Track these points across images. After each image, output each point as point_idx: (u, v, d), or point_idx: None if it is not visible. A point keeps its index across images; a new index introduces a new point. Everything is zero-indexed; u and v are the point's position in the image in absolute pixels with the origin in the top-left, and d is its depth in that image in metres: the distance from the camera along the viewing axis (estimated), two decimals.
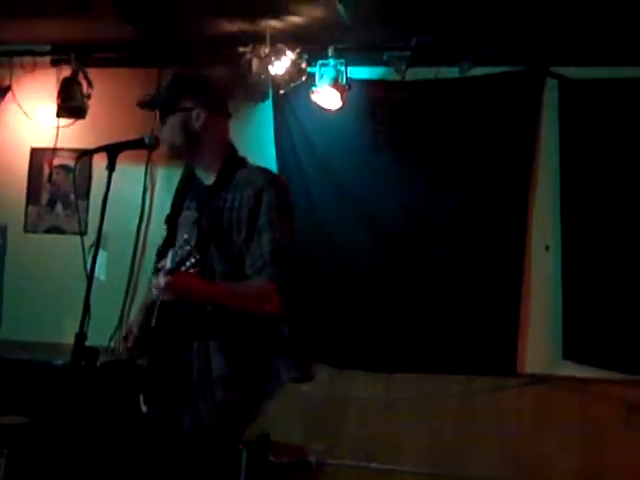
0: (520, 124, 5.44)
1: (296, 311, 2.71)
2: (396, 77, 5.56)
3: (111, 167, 2.63)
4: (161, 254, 2.76)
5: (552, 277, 5.40)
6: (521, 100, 5.45)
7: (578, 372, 5.28)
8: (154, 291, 2.54)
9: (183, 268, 2.42)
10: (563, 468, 5.25)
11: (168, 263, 2.45)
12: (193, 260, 2.40)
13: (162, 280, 2.45)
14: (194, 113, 2.74)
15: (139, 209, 6.03)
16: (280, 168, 5.58)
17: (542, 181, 5.46)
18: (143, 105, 2.83)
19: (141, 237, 5.99)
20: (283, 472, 5.57)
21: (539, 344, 5.42)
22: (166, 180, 5.95)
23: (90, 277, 2.56)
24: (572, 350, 5.29)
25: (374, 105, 5.62)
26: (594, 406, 5.24)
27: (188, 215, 2.78)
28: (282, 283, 2.60)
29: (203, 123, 2.74)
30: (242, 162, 2.81)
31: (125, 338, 2.78)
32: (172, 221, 2.83)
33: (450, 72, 5.49)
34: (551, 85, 5.43)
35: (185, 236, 2.45)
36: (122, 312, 5.76)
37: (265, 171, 2.80)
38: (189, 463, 2.62)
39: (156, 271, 2.62)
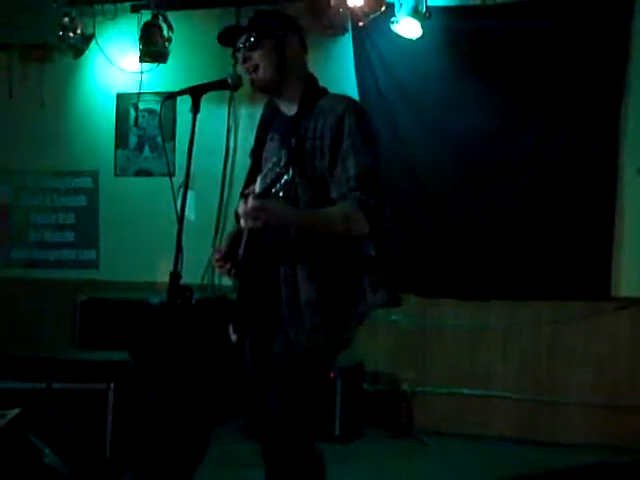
0: (609, 47, 5.25)
1: (383, 236, 2.72)
2: (477, 1, 5.42)
3: (195, 109, 2.65)
4: (247, 185, 2.79)
5: None
6: (610, 23, 5.24)
7: None
8: (241, 216, 2.55)
9: (273, 190, 2.41)
10: None
11: (257, 188, 2.46)
12: (283, 181, 2.38)
13: (249, 203, 2.46)
14: (287, 39, 2.75)
15: (224, 149, 6.11)
16: (362, 100, 5.54)
17: (633, 103, 5.29)
18: (233, 31, 2.81)
19: (227, 176, 6.07)
20: (377, 400, 5.67)
21: (634, 267, 5.32)
22: (249, 119, 5.99)
23: (181, 218, 2.60)
24: None
25: (455, 32, 5.50)
26: None
27: (272, 145, 2.80)
28: (368, 207, 2.60)
29: (294, 50, 2.77)
30: (323, 91, 2.81)
31: (219, 263, 2.80)
32: (256, 154, 2.85)
33: None
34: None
35: (274, 159, 2.44)
36: (212, 250, 5.89)
37: (346, 98, 2.78)
38: (284, 389, 2.67)
39: (243, 197, 2.63)
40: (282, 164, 2.37)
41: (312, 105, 2.72)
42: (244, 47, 2.74)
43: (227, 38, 2.82)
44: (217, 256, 2.79)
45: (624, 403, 5.24)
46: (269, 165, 2.45)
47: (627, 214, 5.34)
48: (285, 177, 2.37)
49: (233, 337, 2.76)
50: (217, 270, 2.83)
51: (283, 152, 2.41)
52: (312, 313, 2.65)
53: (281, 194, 2.42)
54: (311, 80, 2.83)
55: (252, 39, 2.73)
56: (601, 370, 5.35)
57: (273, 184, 2.39)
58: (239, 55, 2.78)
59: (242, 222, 2.58)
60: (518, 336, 5.51)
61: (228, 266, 2.76)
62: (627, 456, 5.01)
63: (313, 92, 2.78)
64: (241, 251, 2.69)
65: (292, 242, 2.65)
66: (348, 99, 2.78)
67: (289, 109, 2.79)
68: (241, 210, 2.55)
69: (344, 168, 2.62)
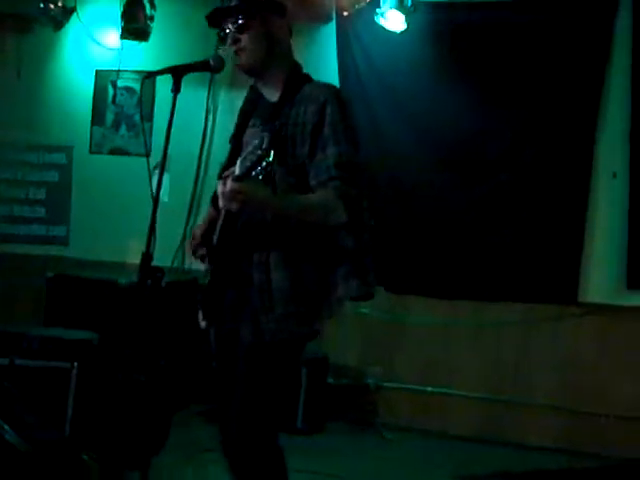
0: (590, 46, 5.27)
1: (361, 226, 2.70)
2: None
3: (176, 89, 2.61)
4: (226, 169, 2.76)
5: (618, 205, 5.28)
6: (592, 22, 5.26)
7: None
8: (219, 197, 2.51)
9: (253, 173, 2.38)
10: (623, 398, 5.22)
11: (237, 170, 2.42)
12: (264, 164, 2.35)
13: (228, 185, 2.42)
14: (277, 21, 2.72)
15: (201, 131, 6.05)
16: (342, 89, 5.48)
17: (611, 107, 5.31)
18: (222, 12, 2.76)
19: (203, 159, 6.02)
20: (341, 393, 5.67)
21: (602, 273, 5.34)
22: (228, 102, 5.95)
23: (156, 199, 2.57)
24: (637, 280, 5.21)
25: (438, 27, 5.49)
26: None
27: (253, 131, 2.77)
28: (347, 196, 2.58)
29: (283, 33, 2.74)
30: (306, 78, 2.79)
31: (192, 247, 2.77)
32: (237, 139, 2.82)
33: None
34: (624, 7, 5.22)
35: (255, 142, 2.41)
36: (184, 233, 5.84)
37: (328, 86, 2.76)
38: (249, 378, 2.64)
39: (222, 179, 2.59)
40: (264, 146, 2.35)
41: (295, 92, 2.70)
42: (233, 28, 2.71)
43: (215, 19, 2.77)
44: (194, 242, 2.75)
45: (587, 408, 5.27)
46: (250, 148, 2.41)
47: (599, 219, 5.36)
48: (266, 160, 2.34)
49: (202, 324, 2.73)
50: (191, 256, 2.79)
51: (265, 135, 2.37)
52: (283, 301, 2.62)
53: (261, 177, 2.39)
54: (295, 67, 2.80)
55: (241, 21, 2.69)
56: (564, 374, 5.38)
57: (253, 167, 2.36)
58: (228, 36, 2.73)
59: (220, 203, 2.54)
60: (485, 336, 5.53)
61: (203, 251, 2.73)
62: (589, 461, 5.05)
63: (296, 79, 2.75)
64: (216, 235, 2.66)
65: (268, 229, 2.63)
66: (331, 87, 2.77)
67: (272, 95, 2.77)
68: (219, 190, 2.51)
69: (324, 156, 2.60)
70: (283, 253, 2.63)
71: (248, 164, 2.37)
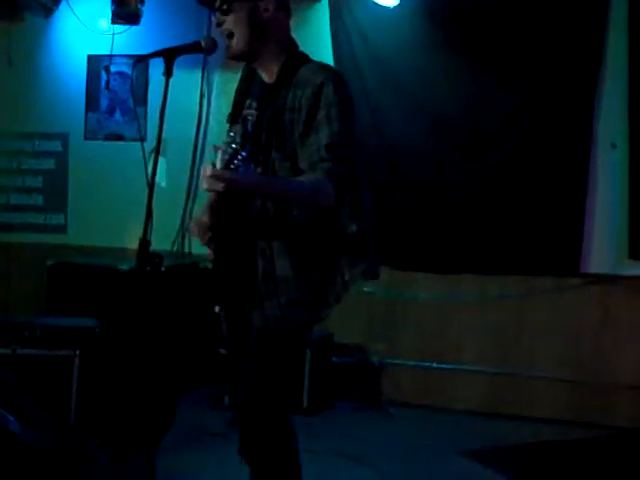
0: (586, 19, 5.22)
1: (362, 209, 2.68)
2: None
3: (168, 72, 2.57)
4: None
5: (618, 175, 5.26)
6: None
7: None
8: (205, 184, 2.47)
9: (232, 166, 2.31)
10: (626, 368, 5.23)
11: (218, 162, 2.40)
12: (240, 158, 2.33)
13: (207, 171, 2.34)
14: (262, 3, 2.65)
15: (196, 114, 6.00)
16: (337, 68, 5.45)
17: (609, 78, 5.27)
18: None
19: (199, 142, 5.98)
20: (346, 371, 5.67)
21: (604, 243, 5.33)
22: (222, 85, 5.92)
23: (152, 184, 2.54)
24: (638, 249, 5.19)
25: (433, 2, 5.44)
26: None
27: (249, 114, 2.72)
28: (337, 177, 2.54)
29: (271, 14, 2.66)
30: (304, 59, 2.73)
31: (195, 230, 2.74)
32: (234, 120, 2.78)
33: None
34: None
35: (231, 134, 2.37)
36: (183, 217, 5.83)
37: (326, 68, 2.71)
38: (259, 363, 2.65)
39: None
40: (238, 140, 2.32)
41: (291, 74, 2.66)
42: (218, 10, 2.67)
43: None
44: (201, 229, 2.72)
45: (591, 379, 5.28)
46: (228, 139, 2.38)
47: (600, 189, 5.33)
48: (240, 154, 2.31)
49: (216, 308, 2.72)
50: (197, 241, 2.76)
51: (238, 128, 2.34)
52: (288, 288, 2.62)
53: (239, 169, 2.36)
54: (291, 47, 2.75)
55: (225, 3, 2.64)
56: (567, 346, 5.39)
57: (231, 160, 2.33)
58: (214, 18, 2.70)
59: (203, 185, 2.49)
60: (488, 310, 5.52)
61: (209, 236, 2.70)
62: (592, 431, 5.06)
63: (293, 60, 2.70)
64: (215, 220, 2.65)
65: (270, 217, 2.61)
66: (328, 69, 2.72)
67: (268, 76, 2.73)
68: (202, 174, 2.42)
69: (317, 138, 2.57)
70: (287, 240, 2.62)
71: (227, 157, 2.35)
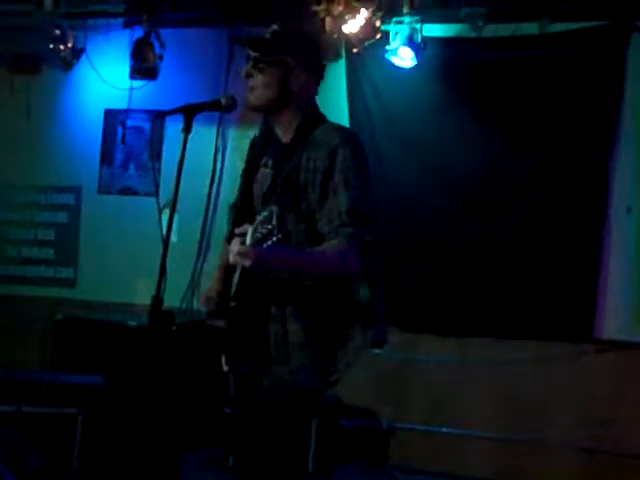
0: (603, 83, 5.24)
1: (375, 274, 2.65)
2: (472, 34, 5.41)
3: (187, 129, 2.58)
4: (237, 213, 2.74)
5: (633, 239, 5.23)
6: (604, 57, 5.24)
7: None
8: (232, 259, 2.47)
9: (265, 245, 2.34)
10: None
11: (248, 239, 2.38)
12: (275, 239, 2.31)
13: (239, 248, 2.37)
14: (296, 72, 2.66)
15: (210, 171, 6.03)
16: (352, 128, 5.49)
17: (625, 141, 5.27)
18: (243, 41, 2.73)
19: (212, 199, 5.99)
20: (352, 434, 5.56)
21: (618, 309, 5.27)
22: (237, 141, 5.95)
23: (166, 241, 2.53)
24: None
25: (449, 64, 5.48)
26: None
27: (265, 173, 2.73)
28: (360, 244, 2.53)
29: (301, 84, 2.67)
30: (321, 120, 2.73)
31: (205, 302, 2.75)
32: (248, 176, 2.79)
33: (529, 28, 5.33)
34: (636, 41, 5.20)
35: (265, 213, 2.35)
36: (193, 273, 5.80)
37: (341, 130, 2.71)
38: (266, 427, 2.61)
39: (231, 235, 2.56)
40: (274, 222, 2.29)
41: (307, 134, 2.65)
42: (250, 62, 2.68)
43: (249, 42, 2.73)
44: (210, 303, 2.72)
45: (606, 448, 5.16)
46: (260, 218, 2.36)
47: (614, 254, 5.30)
48: (276, 236, 2.29)
49: (225, 367, 2.68)
50: (201, 306, 2.76)
51: (275, 209, 2.32)
52: (300, 354, 2.60)
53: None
54: (311, 108, 2.75)
55: (260, 62, 2.65)
56: (581, 413, 5.28)
57: (264, 240, 2.31)
58: (245, 67, 2.70)
59: (230, 259, 2.48)
60: (499, 375, 5.43)
61: (214, 308, 2.69)
62: None
63: (311, 121, 2.70)
64: (233, 287, 2.62)
65: (285, 282, 2.58)
66: (344, 131, 2.72)
67: (284, 135, 2.72)
68: (234, 252, 2.42)
69: (336, 203, 2.56)
70: (299, 306, 2.60)
71: (259, 236, 2.33)
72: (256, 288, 2.60)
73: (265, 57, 2.65)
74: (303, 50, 2.69)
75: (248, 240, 2.37)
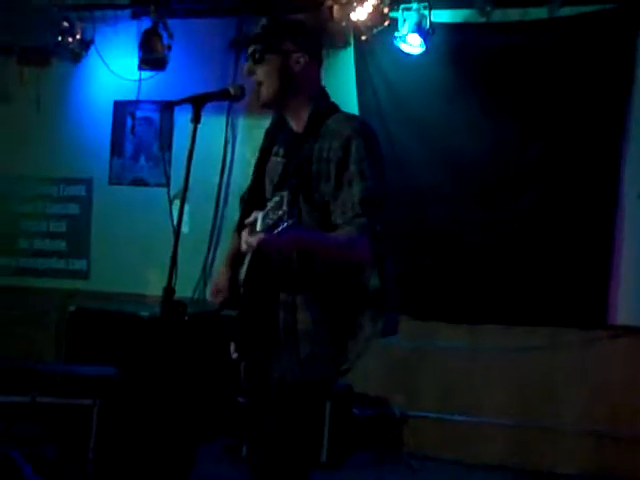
0: (612, 67, 5.21)
1: (384, 263, 2.65)
2: (481, 19, 5.39)
3: (196, 119, 2.58)
4: (248, 201, 2.74)
5: None
6: (614, 41, 5.21)
7: None
8: (244, 247, 2.47)
9: (275, 232, 2.34)
10: None
11: (258, 226, 2.38)
12: (285, 225, 2.30)
13: (254, 240, 2.36)
14: (295, 56, 2.65)
15: (220, 161, 6.03)
16: (361, 115, 5.48)
17: (635, 126, 5.24)
18: (240, 41, 2.75)
19: (223, 188, 5.99)
20: (366, 423, 5.57)
21: (631, 295, 5.25)
22: (247, 131, 5.93)
23: (177, 231, 2.53)
24: None
25: (458, 50, 5.46)
26: None
27: (276, 162, 2.73)
28: (372, 232, 2.52)
29: (302, 67, 2.66)
30: (333, 109, 2.72)
31: (214, 293, 2.76)
32: (260, 166, 2.78)
33: (538, 13, 5.29)
34: None
35: (276, 199, 2.36)
36: (205, 263, 5.81)
37: (353, 120, 2.70)
38: (278, 417, 2.60)
39: (241, 226, 2.56)
40: (284, 208, 2.29)
41: (320, 124, 2.65)
42: (249, 59, 2.68)
43: (243, 40, 2.75)
44: (220, 293, 2.73)
45: (619, 434, 5.15)
46: (271, 204, 2.35)
47: (626, 240, 5.28)
48: (287, 222, 2.28)
49: (234, 355, 2.69)
50: (211, 299, 2.77)
51: (285, 194, 2.32)
52: (309, 342, 2.59)
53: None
54: (321, 97, 2.74)
55: (257, 54, 2.65)
56: (594, 399, 5.27)
57: (275, 226, 2.30)
58: (243, 64, 2.71)
59: (242, 247, 2.49)
60: (512, 361, 5.42)
61: (222, 298, 2.70)
62: None
63: (322, 110, 2.69)
64: (242, 275, 2.62)
65: (295, 270, 2.58)
66: (356, 121, 2.71)
67: (296, 125, 2.72)
68: (245, 242, 2.45)
69: (350, 193, 2.55)
70: (309, 295, 2.59)
71: (269, 222, 2.32)
72: (265, 277, 2.60)
73: (261, 48, 2.65)
74: (298, 34, 2.69)
75: (259, 226, 2.37)
